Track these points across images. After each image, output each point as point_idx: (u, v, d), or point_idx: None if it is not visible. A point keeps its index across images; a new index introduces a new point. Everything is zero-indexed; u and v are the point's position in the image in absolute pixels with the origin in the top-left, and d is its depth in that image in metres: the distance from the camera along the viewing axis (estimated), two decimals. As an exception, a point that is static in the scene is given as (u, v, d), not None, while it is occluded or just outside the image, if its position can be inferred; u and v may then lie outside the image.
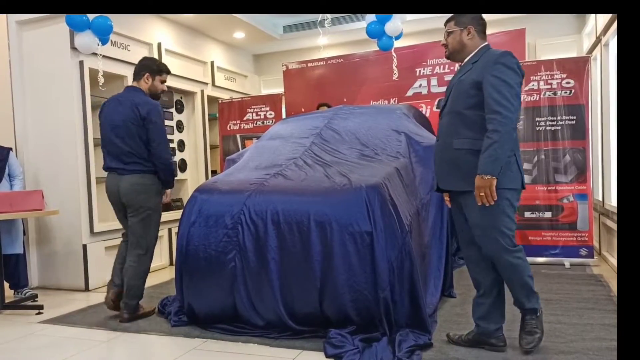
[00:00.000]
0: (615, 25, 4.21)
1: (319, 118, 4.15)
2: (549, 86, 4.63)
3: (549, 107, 4.62)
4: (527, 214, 4.66)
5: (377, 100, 6.29)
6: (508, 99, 2.32)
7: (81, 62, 4.47)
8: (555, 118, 4.61)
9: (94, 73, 4.48)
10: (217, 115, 6.33)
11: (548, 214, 4.61)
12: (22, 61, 4.60)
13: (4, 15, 4.54)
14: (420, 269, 2.98)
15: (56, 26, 4.41)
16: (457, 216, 2.67)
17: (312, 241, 2.79)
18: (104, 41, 4.33)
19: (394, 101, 6.20)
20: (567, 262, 4.50)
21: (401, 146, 3.55)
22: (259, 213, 2.93)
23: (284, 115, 6.19)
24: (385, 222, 2.76)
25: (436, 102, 5.57)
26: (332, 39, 6.78)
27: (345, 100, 6.38)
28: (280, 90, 6.97)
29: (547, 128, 4.63)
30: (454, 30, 2.58)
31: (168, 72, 3.66)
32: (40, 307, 3.71)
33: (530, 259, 4.49)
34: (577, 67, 4.57)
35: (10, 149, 4.29)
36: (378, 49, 5.38)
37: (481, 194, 2.34)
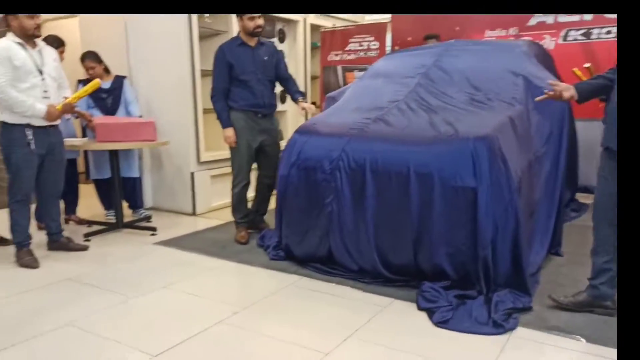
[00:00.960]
0: None
1: (427, 54, 3.87)
2: None
3: None
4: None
5: (494, 29, 5.73)
6: None
7: (188, -7, 4.49)
8: None
9: (200, 3, 4.49)
10: (319, 44, 6.18)
11: None
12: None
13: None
14: (526, 226, 2.80)
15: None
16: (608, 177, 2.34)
17: (411, 192, 2.69)
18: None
19: (514, 31, 5.62)
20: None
21: (518, 91, 3.22)
22: (357, 160, 2.86)
23: (388, 45, 5.90)
24: (492, 178, 2.57)
25: (562, 33, 4.95)
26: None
27: (457, 29, 5.90)
28: (387, 15, 6.59)
29: None
30: None
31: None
32: (154, 229, 4.06)
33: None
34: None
35: (125, 77, 4.53)
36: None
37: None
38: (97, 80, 3.52)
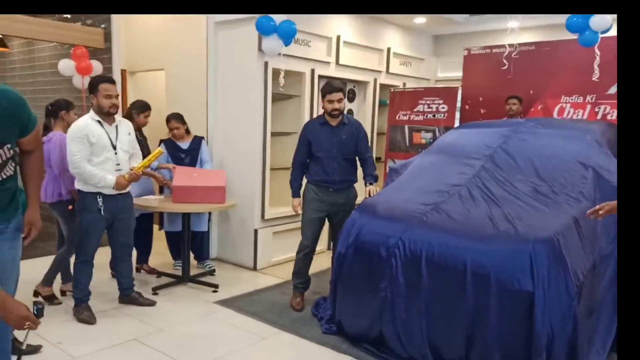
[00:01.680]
0: None
1: (494, 134, 3.85)
2: None
3: None
4: None
5: (570, 95, 5.59)
6: None
7: (266, 63, 4.78)
8: None
9: (276, 72, 4.75)
10: (387, 102, 6.27)
11: None
12: (217, 59, 5.09)
13: (205, 16, 5.03)
14: (587, 326, 2.70)
15: (246, 28, 4.74)
16: None
17: (466, 290, 2.67)
18: (287, 43, 4.52)
19: (591, 98, 5.44)
20: None
21: (586, 185, 3.13)
22: (413, 250, 2.89)
23: (458, 106, 5.88)
24: (550, 283, 2.51)
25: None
26: (523, 21, 6.10)
27: (531, 92, 5.81)
28: (458, 74, 6.59)
29: None
30: None
31: None
32: (216, 286, 4.27)
33: None
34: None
35: (203, 137, 4.85)
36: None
37: None
38: (159, 150, 3.85)
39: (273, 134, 5.03)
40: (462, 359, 2.73)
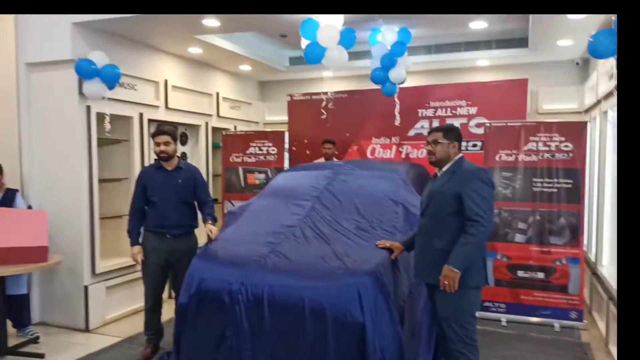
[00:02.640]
0: (613, 98, 4.27)
1: (319, 176, 4.22)
2: (547, 148, 4.70)
3: (546, 169, 4.69)
4: (520, 273, 4.76)
5: (379, 137, 6.39)
6: (485, 210, 2.73)
7: (88, 107, 4.56)
8: (552, 180, 4.68)
9: (100, 116, 4.55)
10: (220, 145, 6.41)
11: (541, 275, 4.70)
12: (30, 103, 4.69)
13: (14, 56, 4.61)
14: (410, 347, 3.10)
15: (64, 71, 4.48)
16: (433, 303, 3.02)
17: (306, 327, 2.88)
18: (111, 87, 4.39)
19: (396, 139, 6.29)
20: (557, 324, 4.60)
21: (398, 219, 3.63)
22: (256, 293, 3.01)
23: (286, 148, 6.28)
24: (377, 312, 2.84)
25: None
26: (338, 72, 6.83)
27: (347, 135, 6.50)
28: (283, 117, 7.05)
29: (544, 190, 4.70)
30: (442, 142, 2.93)
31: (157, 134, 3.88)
32: (42, 355, 3.84)
33: (521, 318, 4.73)
34: (575, 131, 4.64)
35: (17, 190, 4.38)
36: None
37: (445, 282, 2.73)
38: None
39: (101, 181, 4.77)
40: (307, 393, 2.92)
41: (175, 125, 5.75)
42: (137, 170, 4.19)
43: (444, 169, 2.94)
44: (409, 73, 5.31)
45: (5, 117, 4.67)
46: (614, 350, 3.93)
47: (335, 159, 5.83)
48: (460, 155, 2.97)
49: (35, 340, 4.20)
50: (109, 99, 4.49)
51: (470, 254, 2.74)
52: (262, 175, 6.12)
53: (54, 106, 4.60)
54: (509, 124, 4.89)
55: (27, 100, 4.68)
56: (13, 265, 3.68)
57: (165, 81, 5.55)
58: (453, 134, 2.96)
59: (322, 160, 5.86)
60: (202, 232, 4.24)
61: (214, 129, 6.44)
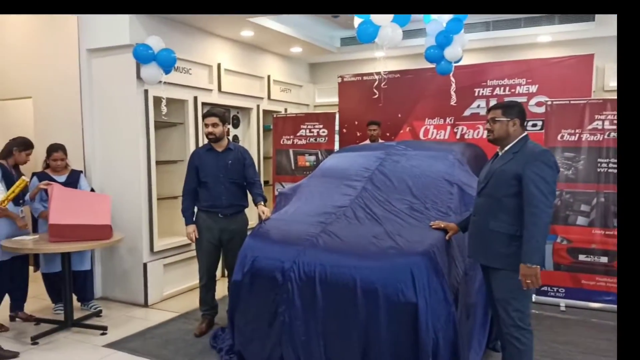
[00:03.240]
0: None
1: (371, 157, 4.18)
2: (614, 126, 4.43)
3: (612, 149, 4.43)
4: (582, 257, 4.54)
5: (433, 118, 6.23)
6: (546, 195, 2.57)
7: (146, 91, 4.69)
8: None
9: (157, 99, 4.68)
10: (271, 127, 6.46)
11: (604, 259, 4.47)
12: (92, 88, 4.87)
13: (76, 42, 4.81)
14: (465, 328, 3.04)
15: (123, 56, 4.62)
16: (487, 284, 2.95)
17: (358, 306, 2.88)
18: (167, 71, 4.50)
19: (450, 120, 6.12)
20: (620, 311, 4.36)
21: (453, 200, 3.54)
22: (308, 272, 3.04)
23: (337, 130, 6.24)
24: (430, 292, 2.80)
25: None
26: (390, 51, 6.69)
27: (399, 115, 6.37)
28: (334, 99, 7.01)
29: (609, 170, 4.45)
30: (501, 120, 2.79)
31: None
32: (105, 328, 4.04)
33: (581, 303, 4.52)
34: (646, 108, 4.33)
35: (81, 171, 4.60)
36: (436, 65, 5.27)
37: (527, 281, 2.56)
38: (23, 180, 3.66)
39: (158, 163, 4.92)
40: (360, 372, 2.92)
41: (227, 108, 5.86)
42: (191, 152, 4.30)
43: (506, 148, 2.80)
44: (465, 51, 5.13)
45: (68, 101, 4.89)
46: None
47: (380, 141, 5.74)
48: (525, 134, 2.81)
49: (98, 314, 4.43)
50: (165, 83, 4.60)
51: (540, 244, 2.58)
52: (313, 158, 6.13)
53: (114, 90, 4.77)
54: (572, 102, 4.63)
55: (88, 85, 4.87)
56: (78, 242, 3.88)
57: (219, 65, 5.62)
58: (514, 110, 2.80)
59: (367, 142, 5.79)
60: (253, 212, 4.31)
61: (265, 112, 6.50)
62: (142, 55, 4.33)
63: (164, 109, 4.55)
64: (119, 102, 4.75)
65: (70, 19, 4.80)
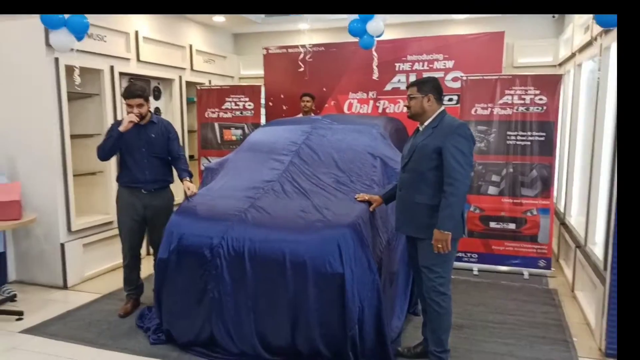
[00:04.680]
0: (590, 49, 4.31)
1: (297, 131, 4.20)
2: (522, 101, 4.75)
3: (520, 122, 4.77)
4: (492, 224, 4.90)
5: (356, 92, 6.36)
6: (463, 166, 2.74)
7: (56, 59, 4.37)
8: (525, 133, 4.76)
9: (70, 69, 4.38)
10: (195, 100, 6.28)
11: (512, 225, 4.85)
12: (-6, 55, 4.46)
13: (-27, 6, 4.35)
14: (388, 295, 3.22)
15: (29, 21, 4.26)
16: (411, 253, 3.10)
17: (287, 279, 2.94)
18: (79, 38, 4.20)
19: (373, 94, 6.28)
20: (526, 272, 4.79)
21: (376, 173, 3.67)
22: (237, 248, 3.05)
23: (263, 103, 6.19)
24: (356, 263, 2.92)
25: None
26: (315, 24, 6.70)
27: (324, 89, 6.44)
28: (259, 72, 6.93)
29: (517, 143, 4.79)
30: (416, 96, 2.93)
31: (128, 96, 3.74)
32: (21, 313, 3.83)
33: (492, 267, 4.91)
34: (550, 84, 4.69)
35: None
36: (359, 40, 5.35)
37: (439, 245, 2.75)
38: None
39: (73, 137, 4.64)
40: (289, 343, 3.00)
41: (147, 78, 5.61)
42: (109, 125, 4.08)
43: (425, 123, 2.93)
44: (387, 26, 5.24)
45: (-34, 70, 4.45)
46: (579, 295, 4.14)
47: (312, 114, 5.78)
48: (442, 109, 2.95)
49: (12, 299, 4.17)
50: (78, 50, 4.30)
51: (455, 212, 2.74)
52: (239, 131, 6.05)
53: (19, 58, 4.39)
54: (485, 78, 4.90)
55: (-11, 53, 4.46)
56: (-14, 224, 3.61)
57: (136, 32, 5.34)
58: (427, 86, 2.92)
59: (300, 115, 5.81)
60: (179, 188, 4.22)
61: (188, 83, 6.29)
62: (51, 20, 3.99)
63: (77, 79, 4.27)
64: (26, 72, 4.39)
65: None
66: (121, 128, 3.66)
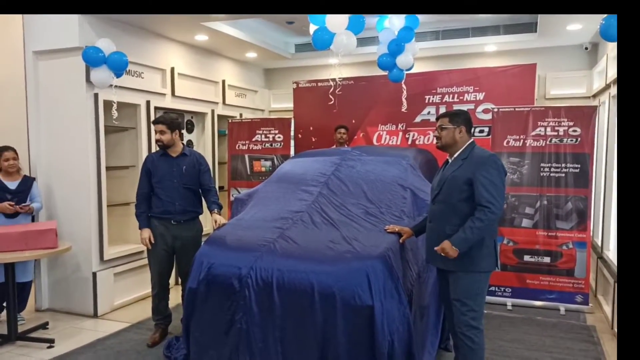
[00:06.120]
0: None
1: (327, 162, 4.23)
2: (555, 133, 4.68)
3: (554, 154, 4.68)
4: (527, 257, 4.76)
5: (386, 124, 6.38)
6: (495, 197, 2.73)
7: (96, 95, 4.57)
8: (559, 165, 4.67)
9: (108, 104, 4.56)
10: (226, 132, 6.42)
11: (547, 259, 4.70)
12: (38, 91, 4.70)
13: (21, 45, 4.62)
14: (419, 329, 3.13)
15: (72, 58, 4.48)
16: (442, 285, 3.08)
17: (315, 310, 2.89)
18: (118, 75, 4.39)
19: (402, 126, 6.28)
20: (562, 307, 4.61)
21: (406, 204, 3.63)
22: (265, 278, 3.03)
23: (292, 135, 6.27)
24: (386, 295, 2.86)
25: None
26: (344, 59, 6.79)
27: (353, 121, 6.48)
28: (289, 105, 7.05)
29: (552, 174, 4.69)
30: (448, 127, 2.92)
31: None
32: (52, 340, 3.88)
33: (527, 302, 4.74)
34: (584, 116, 4.61)
35: (34, 178, 4.43)
36: (388, 73, 5.39)
37: (442, 253, 2.79)
38: None
39: (109, 169, 4.79)
40: (316, 375, 2.95)
41: (181, 112, 5.78)
42: (144, 157, 4.21)
43: (455, 155, 2.92)
44: (416, 59, 5.28)
45: (13, 105, 4.70)
46: (621, 334, 3.94)
47: (346, 145, 5.83)
48: (471, 140, 2.95)
49: (44, 326, 4.25)
50: (116, 86, 4.48)
51: (474, 237, 2.72)
52: (268, 163, 6.13)
53: (62, 94, 4.61)
54: (516, 109, 4.86)
55: (34, 89, 4.69)
56: (22, 252, 3.72)
57: (172, 69, 5.54)
58: (460, 118, 2.94)
59: (334, 147, 5.85)
60: (207, 219, 4.27)
61: (220, 117, 6.45)
62: (92, 58, 4.20)
63: (115, 114, 4.44)
64: (67, 106, 4.59)
65: (15, 19, 4.61)
66: None
